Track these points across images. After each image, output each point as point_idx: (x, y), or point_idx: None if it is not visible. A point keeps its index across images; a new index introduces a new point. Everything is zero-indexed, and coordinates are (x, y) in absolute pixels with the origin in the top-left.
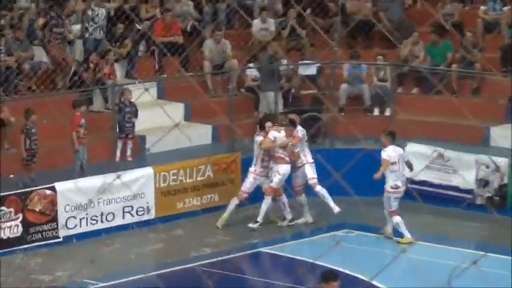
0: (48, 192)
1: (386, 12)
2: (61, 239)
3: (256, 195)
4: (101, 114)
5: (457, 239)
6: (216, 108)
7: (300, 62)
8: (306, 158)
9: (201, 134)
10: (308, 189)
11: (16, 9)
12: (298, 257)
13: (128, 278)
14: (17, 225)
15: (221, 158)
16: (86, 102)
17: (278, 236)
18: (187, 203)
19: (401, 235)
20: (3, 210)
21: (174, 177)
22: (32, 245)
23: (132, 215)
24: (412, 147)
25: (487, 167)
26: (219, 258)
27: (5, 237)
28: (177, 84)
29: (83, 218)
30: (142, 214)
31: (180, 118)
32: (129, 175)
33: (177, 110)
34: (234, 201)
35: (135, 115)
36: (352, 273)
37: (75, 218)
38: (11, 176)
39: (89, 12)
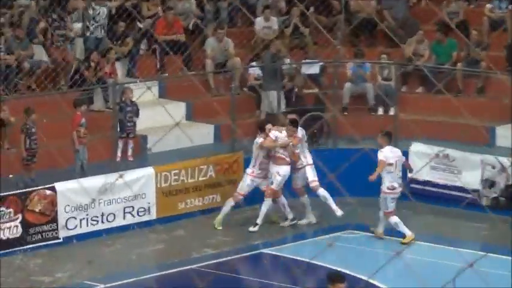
0: (48, 192)
1: (390, 10)
2: (61, 240)
3: (255, 196)
4: (102, 114)
5: (462, 241)
6: (218, 107)
7: (303, 60)
8: (306, 159)
9: (203, 133)
10: (309, 190)
11: (16, 7)
12: (300, 258)
13: (128, 279)
14: (17, 226)
15: (223, 158)
16: (86, 101)
17: (280, 236)
18: (189, 204)
19: (402, 235)
20: (2, 210)
21: (176, 177)
22: (32, 245)
23: (133, 216)
24: (417, 147)
25: (493, 167)
26: (220, 260)
27: (4, 238)
28: (179, 83)
29: (83, 218)
30: (143, 214)
31: (182, 117)
32: (130, 175)
33: (178, 109)
34: (230, 203)
35: (136, 114)
36: (353, 274)
37: (75, 218)
38: (11, 176)
39: (90, 11)
